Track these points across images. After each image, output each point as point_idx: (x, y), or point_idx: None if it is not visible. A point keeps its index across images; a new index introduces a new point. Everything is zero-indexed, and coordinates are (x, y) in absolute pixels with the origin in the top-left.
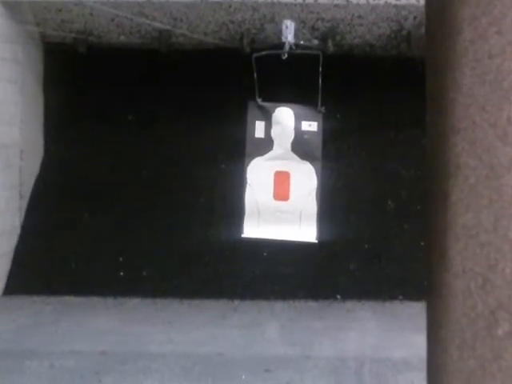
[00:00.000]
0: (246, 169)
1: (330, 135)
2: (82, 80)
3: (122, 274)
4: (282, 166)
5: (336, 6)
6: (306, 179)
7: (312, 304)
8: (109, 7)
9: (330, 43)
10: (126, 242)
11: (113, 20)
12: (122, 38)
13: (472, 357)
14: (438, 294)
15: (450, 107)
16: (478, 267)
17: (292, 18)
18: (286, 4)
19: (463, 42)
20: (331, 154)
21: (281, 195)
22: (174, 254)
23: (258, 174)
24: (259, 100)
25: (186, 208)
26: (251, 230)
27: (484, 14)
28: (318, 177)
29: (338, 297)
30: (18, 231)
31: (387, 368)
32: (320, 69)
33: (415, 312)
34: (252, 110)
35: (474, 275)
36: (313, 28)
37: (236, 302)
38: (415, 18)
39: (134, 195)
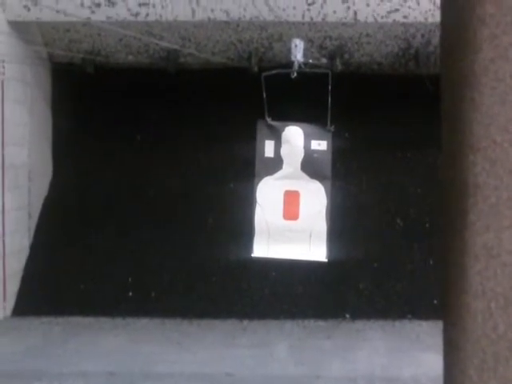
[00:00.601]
0: (255, 188)
1: (339, 154)
2: (90, 100)
3: (130, 294)
4: (291, 185)
5: (344, 24)
6: (315, 198)
7: (321, 323)
8: (117, 27)
9: (338, 62)
10: (134, 263)
11: (121, 40)
12: (130, 57)
13: (493, 378)
14: (455, 314)
15: (468, 126)
16: (499, 288)
17: (300, 36)
18: (294, 23)
19: (483, 61)
20: (340, 173)
21: (290, 214)
22: (183, 274)
23: (268, 194)
24: (268, 119)
25: (194, 228)
26: (261, 249)
27: (505, 33)
28: (327, 196)
29: (347, 316)
30: (26, 251)
31: None
32: (329, 87)
33: (424, 331)
34: (261, 129)
35: (494, 296)
36: (321, 47)
37: (245, 322)
38: (423, 36)
39: (142, 215)
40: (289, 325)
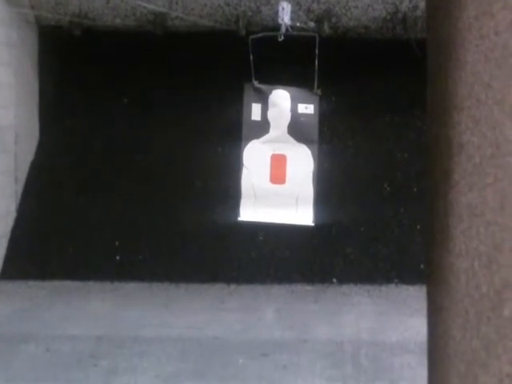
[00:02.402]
0: (242, 152)
1: (326, 118)
2: (77, 63)
3: (117, 258)
4: (278, 148)
5: None
6: (302, 162)
7: (308, 288)
8: None
9: (325, 25)
10: (121, 226)
11: (108, 2)
12: (117, 20)
13: (476, 337)
14: (439, 274)
15: (452, 85)
16: (482, 246)
17: (287, 0)
18: None
19: (467, 19)
20: (327, 137)
21: (277, 178)
22: (170, 237)
23: (255, 157)
24: (255, 82)
25: (181, 191)
26: (247, 213)
27: None
28: (314, 160)
29: (334, 280)
30: (13, 216)
31: (383, 351)
32: (316, 51)
33: (411, 295)
34: (248, 93)
35: (478, 254)
36: (308, 10)
37: (232, 286)
38: (411, 0)
39: (129, 179)
40: (276, 289)
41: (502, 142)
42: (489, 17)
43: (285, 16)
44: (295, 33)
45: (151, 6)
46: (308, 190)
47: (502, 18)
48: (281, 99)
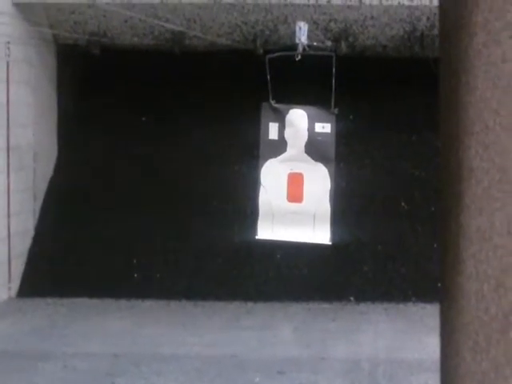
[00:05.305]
0: (259, 170)
1: (343, 137)
2: (95, 81)
3: (135, 275)
4: (295, 167)
5: (349, 7)
6: (319, 181)
7: (325, 306)
8: (122, 9)
9: (342, 44)
10: (139, 244)
11: (126, 22)
12: (136, 39)
13: (485, 359)
14: (451, 296)
15: (463, 110)
16: (490, 270)
17: (305, 19)
18: (299, 5)
19: (476, 46)
20: (344, 156)
21: (294, 197)
22: (188, 256)
23: (272, 176)
24: (272, 102)
25: (199, 210)
26: (265, 231)
27: (497, 18)
28: (331, 178)
29: (352, 299)
30: (31, 233)
31: (401, 369)
32: (333, 70)
33: (428, 313)
34: (265, 112)
35: (487, 278)
36: (326, 29)
37: (249, 304)
38: (428, 18)
39: (147, 197)
40: (293, 307)
41: (509, 168)
42: (497, 45)
43: (302, 35)
44: (312, 52)
45: (169, 25)
46: (325, 209)
47: (509, 47)
48: (298, 118)
